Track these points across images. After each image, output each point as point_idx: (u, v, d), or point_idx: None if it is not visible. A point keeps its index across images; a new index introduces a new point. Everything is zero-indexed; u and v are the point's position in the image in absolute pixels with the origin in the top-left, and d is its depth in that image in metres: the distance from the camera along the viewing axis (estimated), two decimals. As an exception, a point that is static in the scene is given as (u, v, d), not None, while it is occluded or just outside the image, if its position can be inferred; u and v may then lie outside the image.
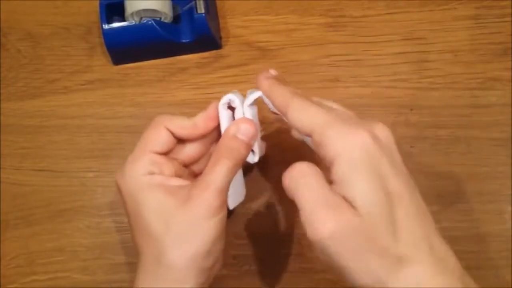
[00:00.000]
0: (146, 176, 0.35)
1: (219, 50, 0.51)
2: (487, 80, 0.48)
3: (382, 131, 0.32)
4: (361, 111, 0.48)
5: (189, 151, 0.39)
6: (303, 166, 0.32)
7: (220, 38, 0.51)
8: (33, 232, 0.46)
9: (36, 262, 0.45)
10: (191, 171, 0.40)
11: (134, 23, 0.48)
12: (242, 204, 0.41)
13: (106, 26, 0.48)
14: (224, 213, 0.35)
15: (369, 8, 0.52)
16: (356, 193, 0.30)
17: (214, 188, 0.34)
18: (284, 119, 0.35)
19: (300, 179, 0.32)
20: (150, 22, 0.48)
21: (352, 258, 0.29)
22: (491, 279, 0.43)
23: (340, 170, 0.31)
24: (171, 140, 0.38)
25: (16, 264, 0.46)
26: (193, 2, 0.48)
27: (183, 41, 0.50)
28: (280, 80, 0.37)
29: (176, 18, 0.50)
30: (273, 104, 0.36)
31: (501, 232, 0.44)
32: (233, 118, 0.38)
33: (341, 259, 0.29)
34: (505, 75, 0.48)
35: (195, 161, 0.40)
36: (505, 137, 0.46)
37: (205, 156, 0.40)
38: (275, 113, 0.37)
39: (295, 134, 0.38)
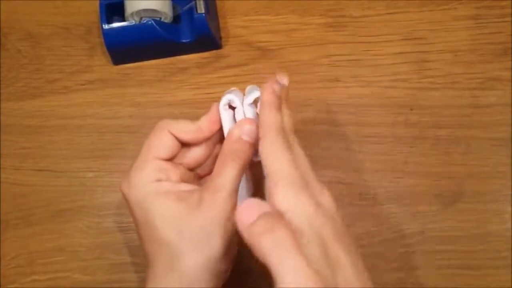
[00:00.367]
0: (153, 183, 0.35)
1: (219, 50, 0.51)
2: (487, 80, 0.48)
3: (327, 198, 0.32)
4: (361, 111, 0.48)
5: (194, 154, 0.39)
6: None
7: (220, 38, 0.51)
8: (33, 232, 0.46)
9: (36, 262, 0.45)
10: (196, 174, 0.40)
11: (134, 23, 0.48)
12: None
13: (106, 26, 0.48)
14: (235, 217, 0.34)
15: (369, 8, 0.52)
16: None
17: (225, 191, 0.34)
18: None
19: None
20: (150, 22, 0.48)
21: None
22: (491, 279, 0.43)
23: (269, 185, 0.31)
24: (175, 144, 0.37)
25: (16, 264, 0.46)
26: (193, 2, 0.48)
27: (183, 41, 0.50)
28: (283, 97, 0.35)
29: (176, 18, 0.50)
30: (259, 119, 0.34)
31: (501, 232, 0.44)
32: (234, 117, 0.38)
33: None
34: (505, 75, 0.48)
35: (200, 164, 0.40)
36: (505, 137, 0.46)
37: (210, 158, 0.40)
38: None
39: None
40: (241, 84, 0.49)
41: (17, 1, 0.54)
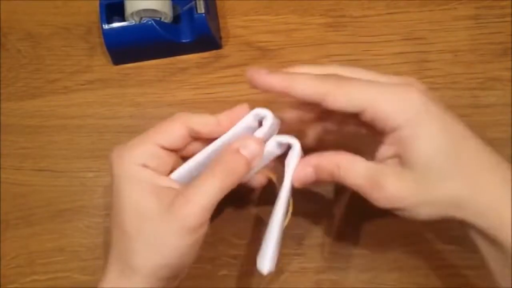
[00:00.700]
0: (137, 166, 0.34)
1: (219, 50, 0.51)
2: (487, 80, 0.48)
3: (418, 83, 0.34)
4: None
5: (195, 147, 0.37)
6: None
7: (220, 38, 0.51)
8: (33, 232, 0.46)
9: (36, 262, 0.45)
10: None
11: (134, 23, 0.48)
12: (242, 204, 0.41)
13: (106, 26, 0.48)
14: (202, 232, 0.33)
15: (369, 8, 0.52)
16: (422, 148, 0.32)
17: (197, 206, 0.32)
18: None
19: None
20: (150, 22, 0.48)
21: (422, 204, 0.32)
22: (491, 279, 0.43)
23: (404, 132, 0.32)
24: (182, 139, 0.36)
25: (16, 264, 0.46)
26: (193, 2, 0.48)
27: (183, 41, 0.50)
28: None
29: (176, 18, 0.50)
30: (301, 96, 0.34)
31: (501, 232, 0.44)
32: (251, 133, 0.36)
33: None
34: (505, 75, 0.48)
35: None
36: (505, 137, 0.46)
37: None
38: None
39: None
40: (241, 84, 0.50)
41: (17, 1, 0.54)
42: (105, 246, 0.46)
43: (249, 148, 0.35)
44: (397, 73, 0.49)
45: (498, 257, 0.33)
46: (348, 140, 0.39)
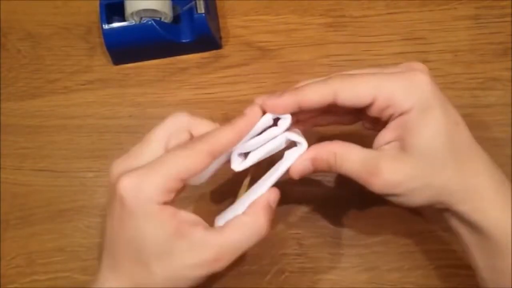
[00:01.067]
0: (158, 205, 0.32)
1: (219, 50, 0.51)
2: (487, 80, 0.48)
3: (421, 66, 0.35)
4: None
5: None
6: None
7: (220, 38, 0.51)
8: (33, 232, 0.46)
9: (36, 262, 0.45)
10: None
11: (134, 23, 0.48)
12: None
13: (106, 26, 0.48)
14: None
15: (369, 8, 0.52)
16: (426, 132, 0.33)
17: (231, 259, 0.33)
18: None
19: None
20: (150, 22, 0.48)
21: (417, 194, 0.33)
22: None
23: (411, 115, 0.33)
24: (206, 167, 0.34)
25: (16, 264, 0.46)
26: (193, 2, 0.48)
27: (183, 41, 0.50)
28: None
29: (176, 18, 0.50)
30: (314, 104, 0.34)
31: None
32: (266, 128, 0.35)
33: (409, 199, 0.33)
34: (505, 75, 0.48)
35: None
36: (505, 137, 0.46)
37: None
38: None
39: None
40: (241, 84, 0.50)
41: (17, 1, 0.54)
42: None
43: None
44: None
45: (481, 246, 0.34)
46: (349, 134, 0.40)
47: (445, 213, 0.35)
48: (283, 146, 0.36)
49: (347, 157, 0.34)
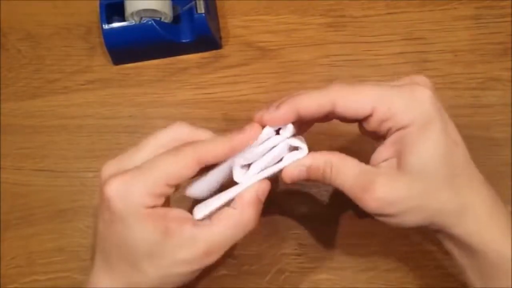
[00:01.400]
0: (147, 210, 0.32)
1: (219, 50, 0.51)
2: (487, 80, 0.48)
3: (426, 81, 0.34)
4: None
5: None
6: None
7: (220, 38, 0.52)
8: (33, 232, 0.46)
9: (36, 262, 0.45)
10: None
11: (134, 23, 0.48)
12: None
13: (106, 26, 0.48)
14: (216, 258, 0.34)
15: (369, 8, 0.52)
16: (425, 149, 0.32)
17: (219, 253, 0.34)
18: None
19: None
20: (150, 22, 0.48)
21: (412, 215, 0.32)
22: None
23: (411, 130, 0.32)
24: (193, 173, 0.33)
25: (16, 264, 0.46)
26: (193, 2, 0.48)
27: (183, 41, 0.50)
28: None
29: (176, 18, 0.50)
30: (312, 111, 0.33)
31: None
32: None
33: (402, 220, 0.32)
34: (505, 75, 0.48)
35: None
36: (505, 137, 0.46)
37: None
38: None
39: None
40: (241, 84, 0.50)
41: (17, 1, 0.54)
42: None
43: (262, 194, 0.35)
44: (397, 73, 0.49)
45: (476, 268, 0.33)
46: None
47: (438, 234, 0.35)
48: (286, 153, 0.35)
49: (342, 169, 0.33)
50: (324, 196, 0.46)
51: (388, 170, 0.33)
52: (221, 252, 0.34)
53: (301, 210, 0.45)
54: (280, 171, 0.35)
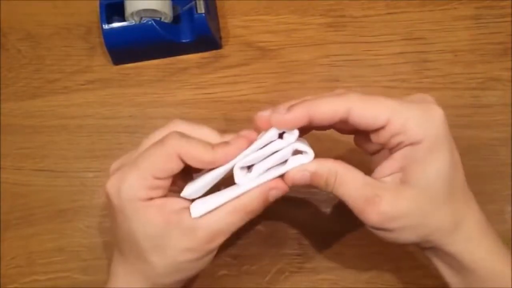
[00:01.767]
0: (143, 202, 0.33)
1: (219, 50, 0.51)
2: (487, 80, 0.48)
3: (433, 99, 0.34)
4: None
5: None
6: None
7: (220, 38, 0.52)
8: (33, 232, 0.46)
9: (36, 262, 0.45)
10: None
11: (134, 23, 0.48)
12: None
13: (106, 26, 0.48)
14: (216, 247, 0.35)
15: (369, 8, 0.52)
16: (433, 167, 0.32)
17: (222, 239, 0.34)
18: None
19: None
20: (150, 22, 0.48)
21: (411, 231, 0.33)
22: None
23: (422, 147, 0.32)
24: (179, 167, 0.34)
25: (16, 264, 0.46)
26: (193, 2, 0.48)
27: (183, 41, 0.50)
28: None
29: (176, 18, 0.50)
30: (327, 117, 0.33)
31: (501, 232, 0.43)
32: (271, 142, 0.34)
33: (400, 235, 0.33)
34: (505, 75, 0.48)
35: None
36: (505, 137, 0.46)
37: None
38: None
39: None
40: (241, 84, 0.50)
41: (17, 1, 0.54)
42: (105, 246, 0.46)
43: (274, 196, 0.35)
44: (397, 73, 0.49)
45: (463, 284, 0.34)
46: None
47: (428, 251, 0.35)
48: (289, 156, 0.34)
49: (347, 179, 0.33)
50: (324, 196, 0.46)
51: (393, 185, 0.33)
52: (224, 238, 0.34)
53: (301, 210, 0.45)
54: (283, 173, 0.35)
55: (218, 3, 0.53)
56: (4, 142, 0.49)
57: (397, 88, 0.48)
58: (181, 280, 0.36)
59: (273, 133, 0.33)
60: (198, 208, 0.34)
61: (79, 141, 0.49)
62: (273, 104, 0.38)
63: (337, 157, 0.34)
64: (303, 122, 0.32)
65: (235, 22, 0.52)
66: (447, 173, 0.32)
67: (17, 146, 0.49)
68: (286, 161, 0.34)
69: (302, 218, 0.45)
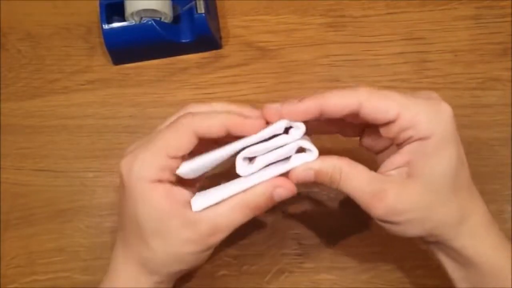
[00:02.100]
0: (152, 184, 0.33)
1: (219, 50, 0.51)
2: (487, 80, 0.48)
3: (439, 96, 0.34)
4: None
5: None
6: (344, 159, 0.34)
7: (220, 38, 0.52)
8: (33, 232, 0.46)
9: (36, 262, 0.45)
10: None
11: (134, 23, 0.48)
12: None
13: (106, 26, 0.48)
14: (219, 239, 0.35)
15: (369, 8, 0.52)
16: (440, 163, 0.32)
17: (225, 233, 0.34)
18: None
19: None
20: (150, 22, 0.48)
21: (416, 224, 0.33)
22: None
23: (431, 143, 0.32)
24: (193, 145, 0.34)
25: (16, 264, 0.46)
26: (193, 2, 0.48)
27: (183, 41, 0.50)
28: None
29: (176, 18, 0.50)
30: (338, 109, 0.33)
31: (501, 232, 0.44)
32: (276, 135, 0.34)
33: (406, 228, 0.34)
34: (505, 75, 0.48)
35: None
36: (505, 137, 0.46)
37: None
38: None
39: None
40: (241, 84, 0.50)
41: (17, 1, 0.54)
42: (105, 246, 0.46)
43: (280, 196, 0.35)
44: (397, 73, 0.49)
45: (468, 280, 0.35)
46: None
47: (432, 246, 0.36)
48: (293, 153, 0.34)
49: (353, 175, 0.33)
50: (324, 196, 0.46)
51: (399, 179, 0.33)
52: (226, 233, 0.34)
53: (301, 210, 0.45)
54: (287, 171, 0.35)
55: (218, 3, 0.53)
56: (4, 142, 0.49)
57: (397, 88, 0.48)
58: (177, 272, 0.36)
59: (280, 125, 0.33)
60: (200, 202, 0.34)
61: (79, 141, 0.49)
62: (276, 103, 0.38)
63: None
64: (314, 113, 0.33)
65: (235, 22, 0.52)
66: (453, 169, 0.33)
67: (17, 146, 0.49)
68: (289, 158, 0.34)
69: (302, 218, 0.45)
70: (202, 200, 0.34)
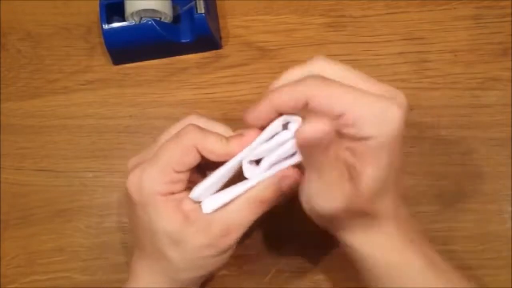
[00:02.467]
0: (166, 196, 0.34)
1: (219, 50, 0.51)
2: (487, 80, 0.48)
3: (401, 97, 0.33)
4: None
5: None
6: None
7: (220, 38, 0.52)
8: (33, 232, 0.46)
9: (36, 262, 0.45)
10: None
11: (134, 23, 0.48)
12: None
13: (106, 26, 0.48)
14: (234, 246, 0.35)
15: (369, 8, 0.52)
16: (375, 172, 0.32)
17: (239, 233, 0.34)
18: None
19: None
20: (150, 22, 0.48)
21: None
22: (491, 279, 0.43)
23: (372, 144, 0.31)
24: (198, 160, 0.34)
25: (16, 264, 0.46)
26: (193, 2, 0.48)
27: (183, 41, 0.50)
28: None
29: (176, 18, 0.50)
30: (289, 106, 0.33)
31: (501, 232, 0.44)
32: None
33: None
34: (505, 75, 0.48)
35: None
36: (505, 137, 0.46)
37: None
38: None
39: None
40: (241, 84, 0.50)
41: (17, 1, 0.54)
42: (105, 246, 0.46)
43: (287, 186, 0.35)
44: (397, 73, 0.49)
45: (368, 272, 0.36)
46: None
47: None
48: (295, 148, 0.34)
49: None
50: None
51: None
52: (240, 232, 0.34)
53: (301, 210, 0.45)
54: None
55: (218, 3, 0.53)
56: (4, 142, 0.49)
57: (397, 88, 0.48)
58: (200, 277, 0.37)
59: (277, 124, 0.34)
60: (209, 203, 0.34)
61: (79, 141, 0.49)
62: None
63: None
64: (271, 114, 0.33)
65: (235, 22, 0.52)
66: (386, 174, 0.32)
67: (17, 146, 0.49)
68: (295, 153, 0.34)
69: (302, 218, 0.45)
70: (212, 201, 0.34)
